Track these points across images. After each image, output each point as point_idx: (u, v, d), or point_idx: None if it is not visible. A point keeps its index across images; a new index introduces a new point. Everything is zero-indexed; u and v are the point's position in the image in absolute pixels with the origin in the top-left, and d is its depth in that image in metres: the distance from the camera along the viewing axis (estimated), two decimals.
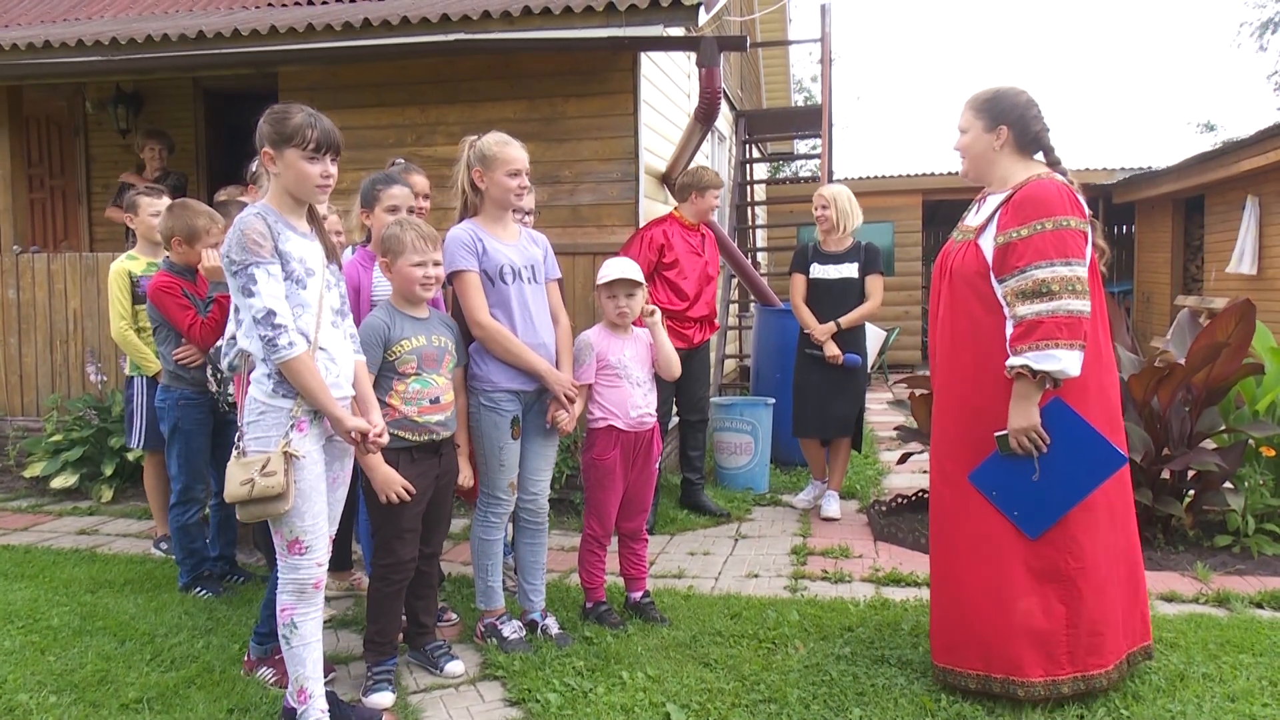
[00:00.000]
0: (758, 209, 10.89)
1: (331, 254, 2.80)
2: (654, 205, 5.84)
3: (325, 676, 2.85)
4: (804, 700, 2.93)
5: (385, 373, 3.04)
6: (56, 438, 5.78)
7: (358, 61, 5.61)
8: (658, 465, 3.68)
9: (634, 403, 3.51)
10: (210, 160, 8.08)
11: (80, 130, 8.35)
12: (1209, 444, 4.42)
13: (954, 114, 3.02)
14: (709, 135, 6.43)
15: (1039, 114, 2.93)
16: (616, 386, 3.51)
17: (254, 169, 3.65)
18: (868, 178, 13.08)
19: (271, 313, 2.54)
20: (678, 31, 5.31)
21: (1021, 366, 2.71)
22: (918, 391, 5.03)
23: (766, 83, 13.11)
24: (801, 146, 14.26)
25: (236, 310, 2.72)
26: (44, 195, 8.42)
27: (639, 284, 3.51)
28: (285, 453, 2.58)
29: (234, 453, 2.66)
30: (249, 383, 2.69)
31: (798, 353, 5.31)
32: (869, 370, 7.52)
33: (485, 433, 3.31)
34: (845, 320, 5.09)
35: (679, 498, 5.37)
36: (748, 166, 10.22)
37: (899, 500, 5.19)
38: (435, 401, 3.07)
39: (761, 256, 10.80)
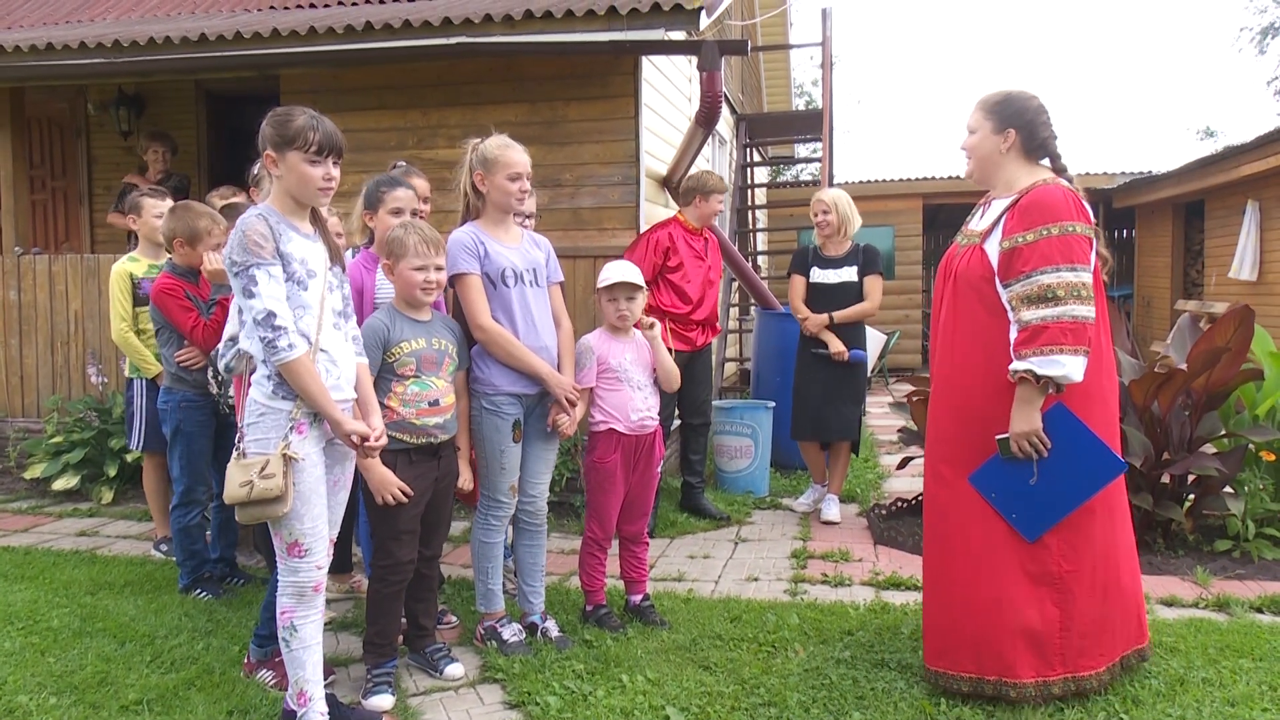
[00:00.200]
0: (758, 212, 10.90)
1: (335, 256, 2.80)
2: (655, 209, 5.85)
3: (325, 679, 2.85)
4: (804, 704, 2.93)
5: (384, 374, 3.05)
6: (57, 439, 5.78)
7: (359, 64, 5.62)
8: (659, 469, 3.68)
9: (635, 406, 3.52)
10: (212, 162, 8.09)
11: (82, 132, 8.36)
12: (1209, 449, 4.42)
13: (955, 118, 3.09)
14: (710, 139, 6.45)
15: (1048, 121, 2.94)
16: (617, 390, 3.51)
17: (256, 171, 3.65)
18: (868, 181, 13.11)
19: (271, 314, 2.54)
20: (679, 35, 5.32)
21: (1025, 371, 2.71)
22: (917, 396, 5.03)
23: (767, 86, 13.13)
24: (802, 150, 14.27)
25: (240, 312, 2.72)
26: (45, 197, 8.43)
27: (639, 287, 3.51)
28: (284, 455, 2.58)
29: (234, 454, 2.66)
30: (249, 384, 2.69)
31: (798, 355, 5.32)
32: (869, 374, 7.52)
33: (487, 436, 3.31)
34: (839, 315, 5.09)
35: (679, 501, 5.37)
36: (748, 170, 10.24)
37: (899, 504, 5.19)
38: (434, 404, 3.07)
39: (762, 260, 10.82)
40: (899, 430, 5.54)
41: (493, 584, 3.43)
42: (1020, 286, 2.75)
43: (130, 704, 2.98)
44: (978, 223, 3.01)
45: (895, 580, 4.13)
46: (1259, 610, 3.71)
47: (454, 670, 3.21)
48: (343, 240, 3.71)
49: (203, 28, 5.80)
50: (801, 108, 17.36)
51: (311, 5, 7.23)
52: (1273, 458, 4.46)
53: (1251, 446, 4.44)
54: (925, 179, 12.67)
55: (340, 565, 3.99)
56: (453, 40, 5.22)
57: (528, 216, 3.85)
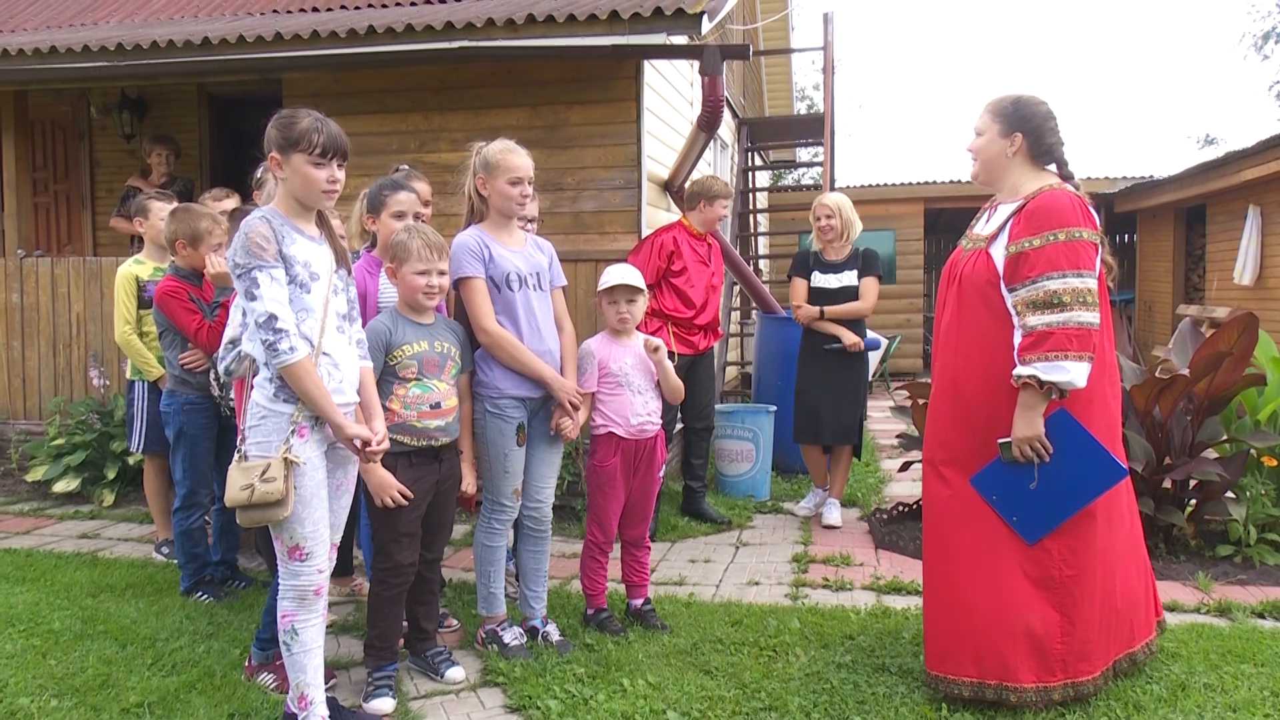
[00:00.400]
0: (760, 216, 10.91)
1: (341, 259, 2.80)
2: (656, 212, 5.85)
3: (326, 682, 2.85)
4: (805, 708, 2.93)
5: (386, 377, 3.05)
6: (59, 441, 5.79)
7: (362, 68, 5.63)
8: (661, 474, 3.68)
9: (635, 410, 3.52)
10: (215, 166, 8.10)
11: (85, 135, 8.37)
12: (1211, 453, 4.42)
13: (957, 123, 3.08)
14: (711, 143, 6.45)
15: (1055, 127, 2.94)
16: (617, 394, 3.52)
17: (259, 175, 3.66)
18: (870, 186, 13.11)
19: (273, 316, 2.53)
20: (681, 40, 5.33)
21: (1029, 376, 2.71)
22: (920, 400, 5.03)
23: (769, 91, 13.15)
24: (804, 154, 14.29)
25: (242, 314, 2.72)
26: (48, 199, 8.44)
27: (639, 290, 3.52)
28: (285, 459, 2.57)
29: (235, 457, 2.66)
30: (252, 386, 2.69)
31: (799, 359, 5.32)
32: (871, 378, 7.52)
33: (490, 439, 3.31)
34: (831, 312, 5.10)
35: (680, 505, 5.37)
36: (750, 174, 10.25)
37: (900, 508, 5.19)
38: (435, 407, 3.08)
39: (764, 264, 10.82)
40: (899, 435, 5.54)
41: (494, 587, 3.43)
42: (1026, 291, 2.75)
43: (131, 706, 2.98)
44: (983, 226, 3.01)
45: (896, 585, 4.13)
46: (1261, 615, 3.71)
47: (455, 674, 3.21)
48: (343, 243, 3.72)
49: (205, 31, 5.81)
50: (803, 112, 17.39)
51: (314, 9, 7.25)
52: (1274, 463, 4.46)
53: (1253, 452, 4.44)
54: (927, 183, 12.68)
55: (341, 568, 3.99)
56: (455, 44, 5.23)
57: (530, 221, 3.86)
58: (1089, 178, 12.94)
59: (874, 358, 9.08)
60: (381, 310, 3.24)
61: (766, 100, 13.09)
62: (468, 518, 4.69)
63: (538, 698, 3.01)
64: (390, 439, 2.92)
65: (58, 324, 6.23)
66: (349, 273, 2.87)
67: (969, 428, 2.91)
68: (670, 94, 6.58)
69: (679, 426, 5.48)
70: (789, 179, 20.43)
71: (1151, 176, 12.13)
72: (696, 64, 5.41)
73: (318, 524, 2.67)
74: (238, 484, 2.57)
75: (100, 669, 3.26)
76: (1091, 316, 2.70)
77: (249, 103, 7.33)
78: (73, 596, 4.03)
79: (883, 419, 8.64)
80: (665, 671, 3.20)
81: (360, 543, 3.87)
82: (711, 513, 5.28)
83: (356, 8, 7.05)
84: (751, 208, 10.13)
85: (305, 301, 2.63)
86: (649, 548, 3.74)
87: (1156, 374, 4.42)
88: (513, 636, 3.40)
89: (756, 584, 4.22)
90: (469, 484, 3.31)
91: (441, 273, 3.08)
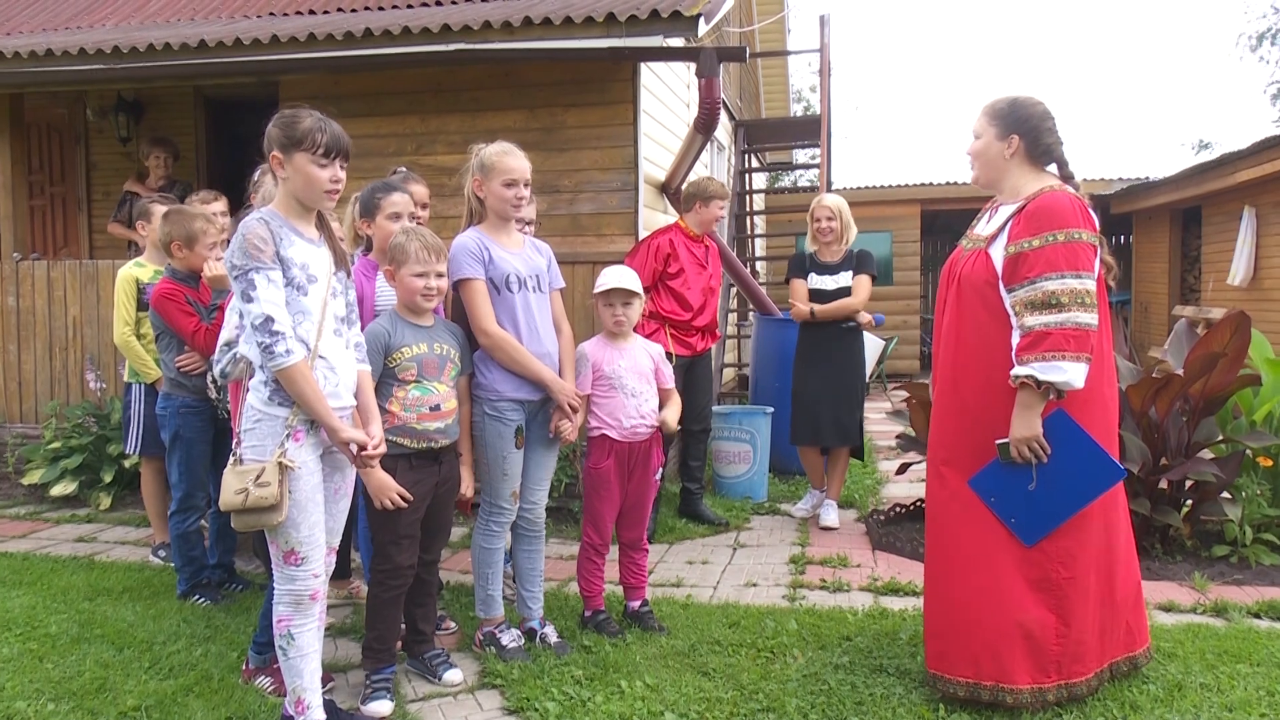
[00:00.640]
0: (756, 218, 10.92)
1: (340, 261, 2.79)
2: (653, 214, 5.86)
3: (324, 685, 2.85)
4: (802, 709, 2.94)
5: (386, 379, 3.05)
6: (55, 445, 5.78)
7: (359, 71, 5.63)
8: (658, 476, 3.68)
9: (627, 413, 3.52)
10: (211, 169, 8.10)
11: (81, 138, 8.36)
12: (1206, 454, 4.43)
13: (953, 125, 3.09)
14: (708, 145, 6.46)
15: (1053, 127, 2.94)
16: (611, 397, 3.52)
17: (256, 178, 3.66)
18: (866, 187, 13.13)
19: (269, 319, 2.52)
20: (677, 42, 5.33)
21: (1027, 376, 2.72)
22: (917, 401, 5.04)
23: (765, 93, 13.16)
24: (800, 156, 14.30)
25: (240, 317, 2.72)
26: (44, 202, 8.43)
27: (635, 293, 3.52)
28: (280, 463, 2.56)
29: (230, 460, 2.65)
30: (247, 389, 2.68)
31: (796, 360, 5.33)
32: (868, 380, 7.53)
33: (489, 442, 3.31)
34: (821, 310, 5.12)
35: (678, 506, 5.37)
36: (747, 176, 10.26)
37: (897, 510, 5.20)
38: (435, 409, 3.08)
39: (760, 266, 10.83)
40: (897, 436, 5.55)
41: (492, 589, 3.44)
42: (1024, 292, 2.76)
43: (128, 710, 2.98)
44: (984, 227, 3.02)
45: (894, 586, 4.14)
46: (1256, 615, 3.72)
47: (452, 676, 3.21)
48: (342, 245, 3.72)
49: (202, 34, 5.81)
50: (800, 114, 17.40)
51: (311, 12, 7.25)
52: (1270, 463, 4.47)
53: (1249, 452, 4.45)
54: (923, 185, 12.70)
55: (339, 571, 3.99)
56: (452, 47, 5.23)
57: (527, 223, 3.86)
58: (1085, 179, 12.94)
59: (871, 359, 9.09)
60: (379, 313, 3.24)
61: (763, 102, 13.10)
62: (465, 520, 4.69)
63: (535, 699, 3.01)
64: (390, 441, 2.92)
65: (54, 327, 6.22)
66: (348, 275, 2.86)
67: (968, 428, 2.92)
68: (667, 96, 6.59)
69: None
70: (785, 181, 20.45)
71: (1147, 178, 12.16)
72: (693, 66, 5.41)
73: (313, 529, 2.66)
74: (232, 488, 2.56)
75: (97, 672, 3.25)
76: (1089, 317, 2.71)
77: (246, 105, 7.32)
78: (69, 600, 4.02)
79: (879, 420, 8.64)
80: (663, 673, 3.21)
81: (358, 545, 3.87)
82: (709, 514, 5.28)
83: (353, 10, 7.06)
84: (748, 210, 10.14)
85: (302, 304, 2.62)
86: (646, 550, 3.74)
87: (1152, 375, 4.43)
88: (510, 638, 3.40)
89: (754, 585, 4.22)
90: (467, 487, 3.31)
91: (440, 274, 3.08)
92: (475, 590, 3.48)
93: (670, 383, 3.67)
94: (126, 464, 5.58)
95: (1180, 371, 4.35)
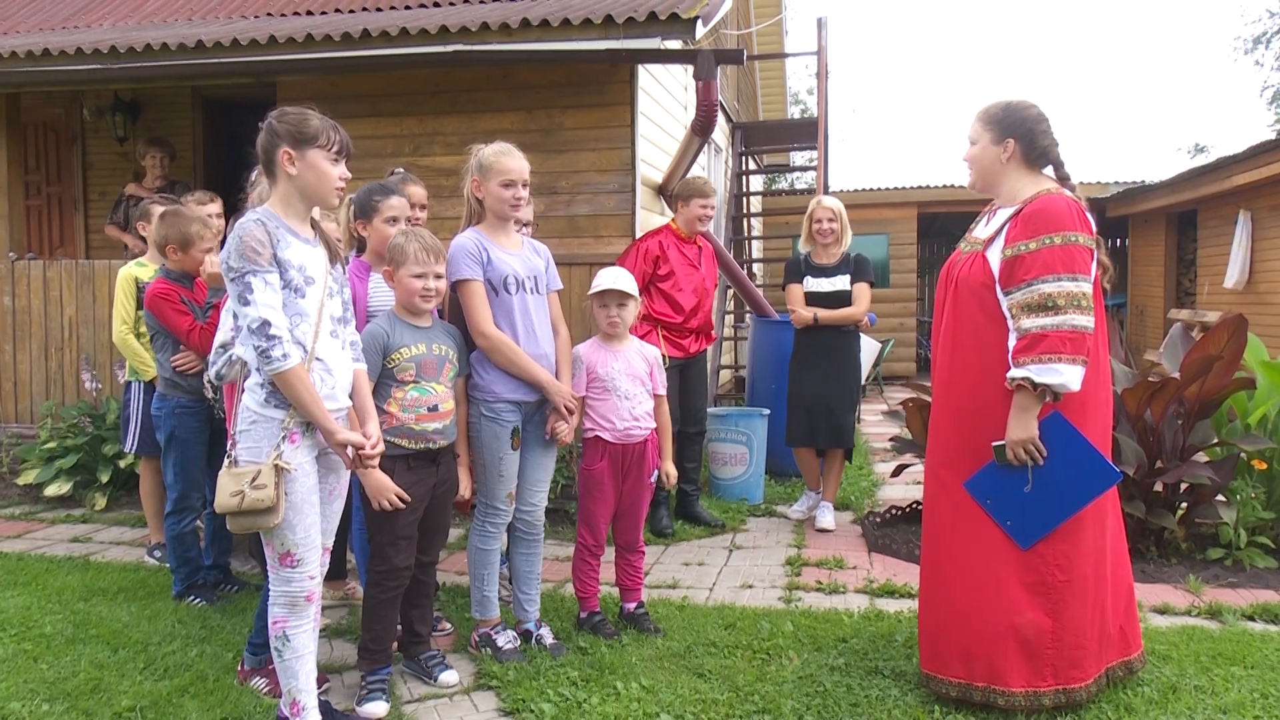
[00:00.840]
0: (753, 220, 10.93)
1: (334, 257, 2.78)
2: (650, 216, 5.86)
3: (319, 686, 2.84)
4: (798, 711, 2.94)
5: (384, 380, 3.05)
6: (50, 445, 5.76)
7: (357, 72, 5.63)
8: (653, 478, 3.69)
9: (620, 415, 3.52)
10: (208, 169, 8.10)
11: (78, 138, 8.36)
12: (1201, 457, 4.44)
13: (950, 128, 3.10)
14: (705, 147, 6.47)
15: (1048, 129, 2.94)
16: (604, 399, 3.53)
17: (253, 177, 3.65)
18: (863, 190, 13.14)
19: (266, 323, 2.51)
20: (675, 44, 5.34)
21: (1023, 378, 2.73)
22: (911, 403, 5.04)
23: (763, 95, 13.17)
24: (797, 159, 14.32)
25: (235, 318, 2.72)
26: (40, 202, 8.41)
27: (630, 295, 3.53)
28: (276, 465, 2.55)
29: (225, 462, 2.64)
30: (243, 390, 2.68)
31: (792, 362, 5.34)
32: (864, 382, 7.54)
33: (485, 443, 3.31)
34: (824, 316, 5.13)
35: (674, 508, 5.37)
36: (744, 178, 10.26)
37: (893, 512, 5.20)
38: (433, 409, 3.08)
39: (757, 268, 10.84)
40: (892, 438, 5.55)
41: (488, 591, 3.44)
42: (1021, 294, 2.77)
43: (123, 711, 2.97)
44: (982, 229, 3.03)
45: (889, 588, 4.14)
46: (1251, 618, 3.73)
47: (448, 677, 3.21)
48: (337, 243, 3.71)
49: (200, 34, 5.81)
50: (797, 116, 17.43)
51: (309, 12, 7.25)
52: (1265, 466, 4.48)
53: (1244, 455, 4.46)
54: (920, 187, 12.71)
55: (335, 572, 3.98)
56: (450, 48, 5.24)
57: (525, 224, 3.86)
58: (1081, 182, 12.96)
59: (868, 362, 9.10)
60: (374, 316, 3.24)
61: (760, 105, 13.11)
62: (462, 521, 4.69)
63: (531, 701, 3.01)
64: (388, 442, 2.92)
65: (50, 327, 6.22)
66: (344, 270, 2.86)
67: (964, 430, 2.93)
68: (664, 98, 6.60)
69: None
70: (783, 183, 20.47)
71: (1143, 181, 12.19)
72: (691, 68, 5.42)
73: (309, 530, 2.65)
74: (228, 490, 2.55)
75: (92, 673, 3.25)
76: (1086, 320, 2.72)
77: (243, 106, 7.33)
78: (64, 600, 4.01)
79: (876, 422, 8.66)
80: (658, 674, 3.21)
81: (354, 546, 3.86)
82: (705, 516, 5.29)
83: (351, 11, 7.06)
84: (745, 212, 10.15)
85: (299, 306, 2.62)
86: (642, 552, 3.75)
87: (1148, 378, 4.44)
88: (506, 640, 3.40)
89: (750, 587, 4.23)
90: (465, 488, 3.31)
91: (438, 275, 3.08)
92: (471, 591, 3.48)
93: (662, 389, 3.67)
94: (122, 464, 5.58)
95: (1176, 375, 4.37)
